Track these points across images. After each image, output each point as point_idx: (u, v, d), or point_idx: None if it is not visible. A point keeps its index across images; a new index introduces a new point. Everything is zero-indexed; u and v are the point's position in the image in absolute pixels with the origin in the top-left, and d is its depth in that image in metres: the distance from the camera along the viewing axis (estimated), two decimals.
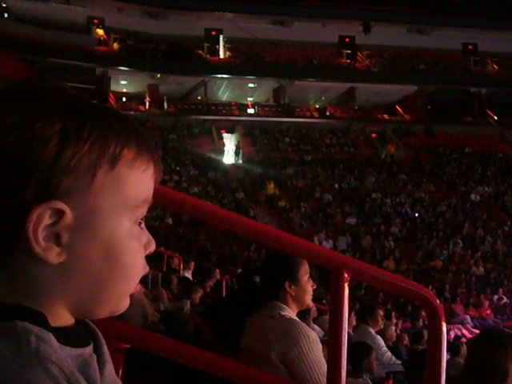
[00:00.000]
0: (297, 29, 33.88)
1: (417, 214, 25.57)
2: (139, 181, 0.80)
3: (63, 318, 0.78)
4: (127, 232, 0.79)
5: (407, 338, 8.92)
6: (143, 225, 0.84)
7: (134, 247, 0.80)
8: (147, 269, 0.84)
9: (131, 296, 0.85)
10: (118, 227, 0.78)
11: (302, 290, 3.02)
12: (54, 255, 0.74)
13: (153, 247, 0.85)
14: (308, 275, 3.05)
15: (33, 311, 0.74)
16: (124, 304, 0.83)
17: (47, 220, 0.73)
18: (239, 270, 10.03)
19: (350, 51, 35.62)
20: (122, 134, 0.79)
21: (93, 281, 0.77)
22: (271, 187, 26.39)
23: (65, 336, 0.76)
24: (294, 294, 3.00)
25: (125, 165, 0.78)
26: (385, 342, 6.84)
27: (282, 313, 2.90)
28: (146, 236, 0.83)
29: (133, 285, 0.82)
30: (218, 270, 10.17)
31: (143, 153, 0.80)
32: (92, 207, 0.76)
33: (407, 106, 35.03)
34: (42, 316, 0.75)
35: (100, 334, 0.86)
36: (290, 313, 2.95)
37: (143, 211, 0.82)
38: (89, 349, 0.80)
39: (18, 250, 0.74)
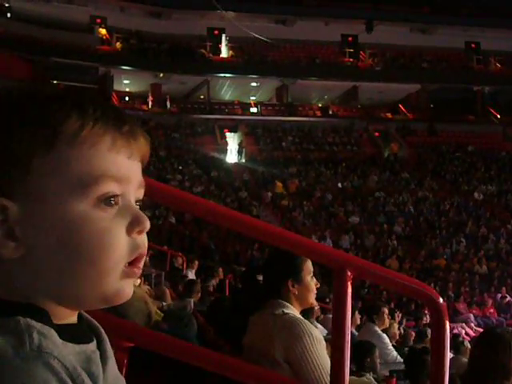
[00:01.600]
0: (299, 28, 33.85)
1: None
2: (86, 157, 0.76)
3: (63, 314, 0.79)
4: (83, 214, 0.76)
5: (408, 336, 8.92)
6: (125, 202, 0.80)
7: (99, 228, 0.76)
8: (142, 249, 0.81)
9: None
10: (68, 211, 0.75)
11: (305, 289, 3.01)
12: (10, 251, 0.74)
13: (144, 225, 0.81)
14: (311, 274, 3.04)
15: (36, 308, 0.75)
16: (113, 289, 0.79)
17: None
18: (242, 269, 10.02)
19: (352, 50, 35.57)
20: (56, 112, 0.76)
21: (58, 270, 0.76)
22: (279, 186, 26.39)
23: (67, 333, 0.76)
24: (297, 292, 2.99)
25: (64, 143, 0.76)
26: (389, 341, 6.85)
27: (286, 311, 2.90)
28: (129, 214, 0.80)
29: (108, 268, 0.77)
30: (221, 269, 10.17)
31: (89, 126, 0.77)
32: (35, 195, 0.75)
33: (410, 105, 34.99)
34: (44, 312, 0.75)
35: (103, 331, 0.86)
36: (294, 311, 2.94)
37: (107, 188, 0.77)
38: (91, 345, 0.80)
39: None
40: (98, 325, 0.86)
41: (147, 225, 0.81)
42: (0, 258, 0.74)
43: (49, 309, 0.76)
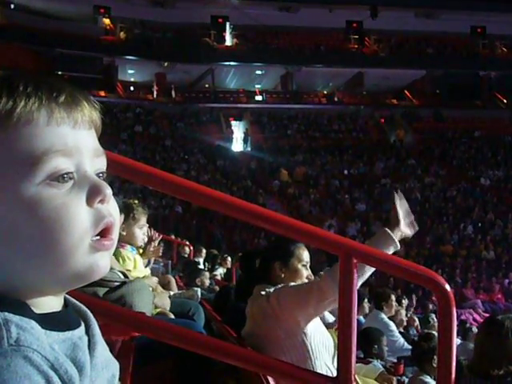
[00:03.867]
0: (304, 15, 33.67)
1: None
2: (25, 135, 0.74)
3: (46, 303, 0.78)
4: (33, 194, 0.73)
5: (415, 323, 8.94)
6: (81, 175, 0.77)
7: (53, 206, 0.74)
8: (105, 218, 0.78)
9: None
10: (18, 193, 0.73)
11: (292, 275, 3.08)
12: None
13: (103, 192, 0.77)
14: (303, 263, 3.11)
15: (12, 300, 0.73)
16: (82, 263, 0.76)
17: None
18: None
19: (357, 36, 35.42)
20: None
21: (20, 256, 0.74)
22: (285, 174, 26.38)
23: (51, 321, 0.75)
24: (283, 276, 3.07)
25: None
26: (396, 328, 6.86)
27: (269, 290, 2.96)
28: (86, 186, 0.77)
29: (72, 243, 0.75)
30: (229, 258, 10.19)
31: (22, 104, 0.74)
32: None
33: (416, 91, 34.86)
34: (22, 304, 0.74)
35: (91, 316, 0.84)
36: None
37: (56, 163, 0.74)
38: (78, 331, 0.79)
39: None
40: (85, 309, 0.85)
41: (107, 192, 0.78)
42: None
43: (26, 299, 0.75)
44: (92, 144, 0.80)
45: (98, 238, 0.78)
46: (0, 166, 0.73)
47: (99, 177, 0.80)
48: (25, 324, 0.71)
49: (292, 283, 2.95)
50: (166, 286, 5.05)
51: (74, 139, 0.77)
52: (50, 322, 0.74)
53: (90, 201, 0.77)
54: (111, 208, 0.80)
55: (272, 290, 2.92)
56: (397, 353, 6.22)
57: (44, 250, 0.74)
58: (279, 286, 2.96)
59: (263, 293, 2.95)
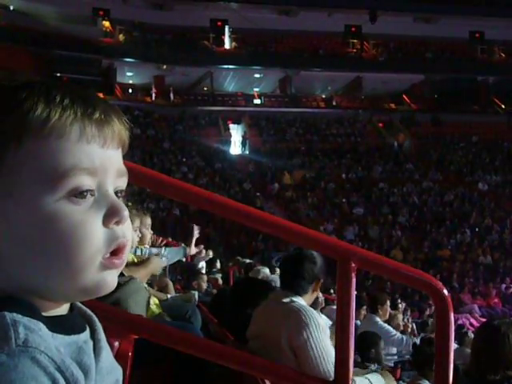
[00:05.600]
0: (302, 18, 33.71)
1: None
2: (55, 149, 0.74)
3: (54, 306, 0.78)
4: (54, 208, 0.74)
5: (411, 327, 8.92)
6: (102, 194, 0.77)
7: (71, 222, 0.74)
8: (119, 239, 0.78)
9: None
10: (40, 205, 0.73)
11: (318, 289, 3.16)
12: None
13: (121, 214, 0.78)
14: None
15: (22, 302, 0.74)
16: (91, 281, 0.77)
17: None
18: (247, 261, 10.03)
19: (356, 40, 35.48)
20: (27, 100, 0.74)
21: (33, 265, 0.74)
22: (288, 177, 26.39)
23: (57, 324, 0.76)
24: (316, 293, 3.15)
25: (32, 135, 0.73)
26: None
27: (294, 299, 2.94)
28: (104, 205, 0.77)
29: (83, 259, 0.75)
30: (226, 261, 10.18)
31: (56, 117, 0.74)
32: (4, 192, 0.73)
33: (414, 95, 34.91)
34: (31, 306, 0.74)
35: (97, 320, 0.85)
36: (301, 300, 2.98)
37: (79, 181, 0.75)
38: (83, 335, 0.80)
39: None
40: (91, 314, 0.85)
41: (124, 214, 0.78)
42: None
43: (34, 302, 0.75)
44: (117, 164, 0.81)
45: (109, 255, 0.78)
46: (25, 176, 0.73)
47: (117, 195, 0.81)
48: (33, 325, 0.71)
49: (316, 342, 2.84)
50: (163, 289, 5.05)
51: (100, 158, 0.77)
52: (56, 324, 0.75)
53: (106, 221, 0.77)
54: (126, 229, 0.80)
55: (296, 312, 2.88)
56: (398, 348, 6.25)
57: (56, 263, 0.75)
58: (306, 324, 2.83)
59: (286, 300, 2.95)
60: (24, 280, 0.75)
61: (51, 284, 0.76)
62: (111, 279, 0.79)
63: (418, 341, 7.11)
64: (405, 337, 6.68)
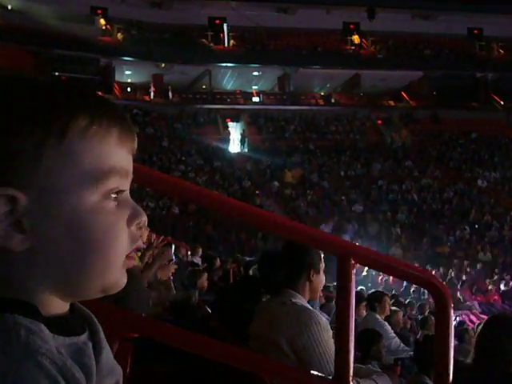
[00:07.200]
0: (301, 16, 33.71)
1: None
2: (97, 150, 0.77)
3: (55, 306, 0.78)
4: (93, 206, 0.77)
5: (410, 324, 8.94)
6: (125, 197, 0.81)
7: (107, 221, 0.78)
8: (139, 242, 0.84)
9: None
10: (80, 203, 0.76)
11: (319, 280, 3.07)
12: (18, 242, 0.74)
13: (142, 219, 0.82)
14: (323, 267, 3.09)
15: (23, 303, 0.74)
16: (114, 280, 0.80)
17: (3, 208, 0.73)
18: (247, 259, 10.04)
19: (354, 37, 35.46)
20: (68, 106, 0.76)
21: (66, 261, 0.76)
22: (289, 175, 26.38)
23: (58, 325, 0.76)
24: (314, 282, 3.04)
25: (75, 136, 0.76)
26: (392, 329, 6.85)
27: (294, 300, 2.92)
28: (128, 208, 0.81)
29: (113, 259, 0.79)
30: (225, 259, 10.18)
31: (98, 120, 0.77)
32: (47, 187, 0.74)
33: (413, 92, 34.88)
34: (32, 307, 0.74)
35: (96, 321, 0.85)
36: (302, 300, 2.97)
37: (114, 183, 0.78)
38: (83, 336, 0.80)
39: None
40: (91, 314, 0.86)
41: (145, 218, 0.83)
42: (6, 249, 0.73)
43: (41, 301, 0.76)
44: (131, 170, 0.85)
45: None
46: (67, 173, 0.75)
47: None
48: (34, 327, 0.71)
49: (319, 345, 2.80)
50: (164, 287, 5.05)
51: (127, 163, 0.82)
52: (57, 325, 0.75)
53: (129, 223, 0.81)
54: (142, 233, 0.85)
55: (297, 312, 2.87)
56: (393, 353, 6.22)
57: (91, 259, 0.77)
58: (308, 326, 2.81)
59: (285, 300, 2.94)
60: (51, 277, 0.76)
61: (80, 280, 0.78)
62: (124, 278, 0.83)
63: (417, 337, 7.12)
64: (402, 344, 6.65)
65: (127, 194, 0.82)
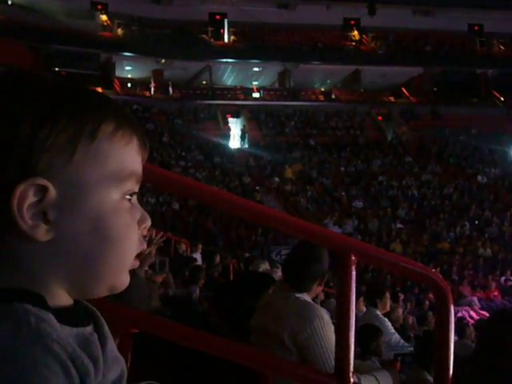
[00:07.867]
0: (301, 12, 33.64)
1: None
2: (122, 154, 0.82)
3: (62, 298, 0.80)
4: (115, 205, 0.80)
5: (411, 320, 8.94)
6: (135, 200, 0.85)
7: (125, 221, 0.82)
8: (144, 244, 0.87)
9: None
10: (104, 200, 0.79)
11: (319, 290, 3.19)
12: (42, 232, 0.76)
13: (148, 223, 0.86)
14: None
15: (31, 293, 0.75)
16: (122, 280, 0.84)
17: (31, 197, 0.75)
18: (246, 255, 10.05)
19: (355, 33, 35.41)
20: (100, 110, 0.80)
21: (84, 256, 0.78)
22: (289, 171, 26.37)
23: (64, 316, 0.77)
24: (317, 290, 3.13)
25: (105, 138, 0.80)
26: (392, 325, 6.85)
27: (297, 295, 2.93)
28: (138, 211, 0.85)
29: (127, 259, 0.83)
30: (225, 255, 10.18)
31: (124, 126, 0.82)
32: (75, 182, 0.77)
33: (413, 88, 34.86)
34: (40, 297, 0.76)
35: (99, 315, 0.87)
36: (305, 296, 2.97)
37: (131, 185, 0.83)
38: (89, 328, 0.81)
39: (7, 231, 0.75)
40: (94, 308, 0.88)
41: (150, 223, 0.87)
42: (29, 239, 0.75)
43: (49, 293, 0.77)
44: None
45: None
46: (95, 171, 0.79)
47: None
48: (43, 315, 0.73)
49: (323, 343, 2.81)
50: (164, 283, 5.06)
51: (137, 166, 0.85)
52: (63, 316, 0.76)
53: (139, 225, 0.85)
54: (145, 237, 0.89)
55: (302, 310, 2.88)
56: (393, 349, 6.22)
57: (109, 255, 0.81)
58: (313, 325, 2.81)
59: (291, 295, 2.94)
60: (67, 271, 0.78)
61: (96, 275, 0.81)
62: (128, 278, 0.86)
63: (417, 333, 7.13)
64: (402, 340, 6.65)
65: (136, 198, 0.86)
